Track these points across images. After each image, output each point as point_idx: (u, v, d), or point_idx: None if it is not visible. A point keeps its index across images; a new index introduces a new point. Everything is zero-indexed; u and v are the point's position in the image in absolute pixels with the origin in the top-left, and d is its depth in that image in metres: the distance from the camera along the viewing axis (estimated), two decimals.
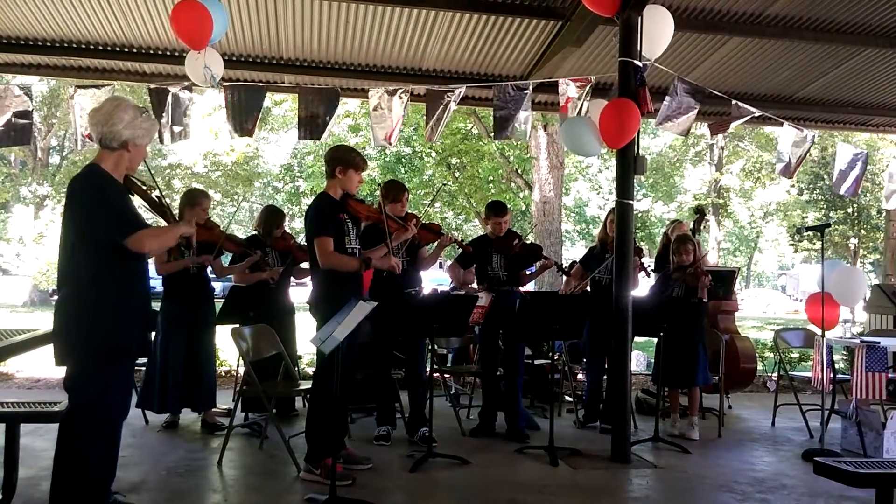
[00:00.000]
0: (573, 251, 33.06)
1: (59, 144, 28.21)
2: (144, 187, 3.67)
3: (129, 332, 3.42)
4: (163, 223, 3.74)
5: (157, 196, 3.72)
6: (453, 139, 15.58)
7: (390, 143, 6.91)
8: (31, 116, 6.61)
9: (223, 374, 8.23)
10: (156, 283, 6.23)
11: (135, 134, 3.44)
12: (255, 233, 6.55)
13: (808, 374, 6.73)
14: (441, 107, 6.68)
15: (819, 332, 5.97)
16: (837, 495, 4.60)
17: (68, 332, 3.36)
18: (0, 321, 16.67)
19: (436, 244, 5.81)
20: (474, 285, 6.42)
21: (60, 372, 8.43)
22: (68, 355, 3.38)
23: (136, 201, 3.66)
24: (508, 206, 6.78)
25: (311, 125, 6.65)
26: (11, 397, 5.09)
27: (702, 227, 7.00)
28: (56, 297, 3.50)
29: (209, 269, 6.00)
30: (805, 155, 7.51)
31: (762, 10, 6.07)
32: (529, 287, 6.91)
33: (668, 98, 6.46)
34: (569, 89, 6.82)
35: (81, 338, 3.35)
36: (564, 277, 6.71)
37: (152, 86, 6.58)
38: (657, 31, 5.43)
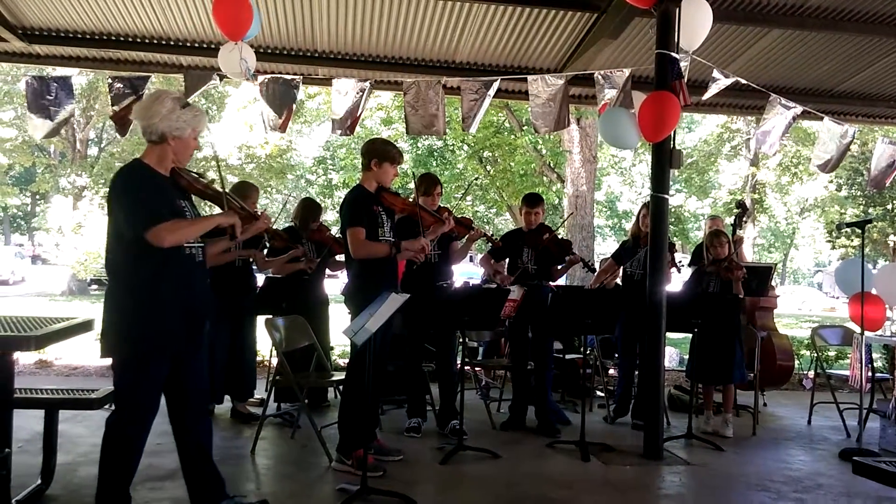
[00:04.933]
0: (605, 246, 32.85)
1: (97, 136, 28.62)
2: (199, 178, 3.64)
3: (161, 325, 3.35)
4: (217, 212, 3.70)
5: (211, 185, 3.68)
6: (486, 132, 15.54)
7: (443, 134, 6.94)
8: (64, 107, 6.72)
9: (257, 364, 8.30)
10: None
11: (172, 126, 3.39)
12: (291, 224, 6.59)
13: (846, 373, 6.62)
14: (477, 99, 6.67)
15: (859, 329, 5.86)
16: (875, 496, 4.52)
17: (107, 326, 3.39)
18: (39, 309, 17.00)
19: (466, 238, 5.81)
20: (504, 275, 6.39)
21: (98, 360, 8.60)
22: (108, 348, 3.40)
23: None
24: None
25: (342, 120, 6.70)
26: (50, 384, 5.19)
27: (744, 222, 6.88)
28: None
29: (252, 261, 6.08)
30: (846, 150, 7.38)
31: (803, 2, 5.94)
32: (560, 282, 6.88)
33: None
34: (606, 90, 6.74)
35: (115, 331, 3.37)
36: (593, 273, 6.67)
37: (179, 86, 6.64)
38: (695, 23, 5.34)
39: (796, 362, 9.29)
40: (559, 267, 6.19)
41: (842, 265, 7.53)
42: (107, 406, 4.90)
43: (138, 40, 6.91)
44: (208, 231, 3.53)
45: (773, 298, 7.64)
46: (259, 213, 3.99)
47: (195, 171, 3.66)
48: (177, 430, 3.57)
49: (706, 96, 6.52)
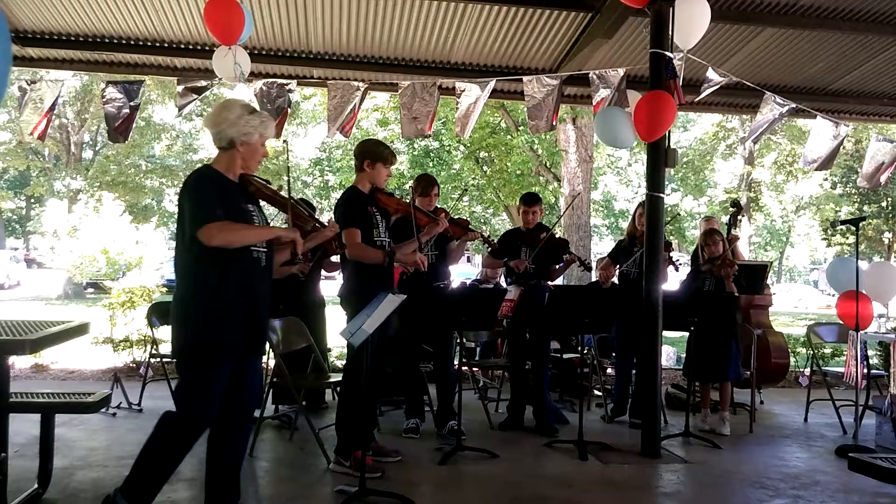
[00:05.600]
0: (601, 245, 32.89)
1: (91, 139, 28.60)
2: (267, 185, 3.66)
3: (220, 330, 3.32)
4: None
5: (278, 192, 3.72)
6: (482, 133, 15.54)
7: (427, 134, 6.94)
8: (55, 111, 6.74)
9: None
10: None
11: (240, 132, 3.43)
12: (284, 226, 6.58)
13: (842, 370, 6.63)
14: (472, 102, 6.68)
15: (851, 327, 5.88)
16: (872, 492, 4.53)
17: (172, 329, 3.43)
18: (35, 313, 16.96)
19: (461, 239, 5.81)
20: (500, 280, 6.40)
21: (94, 363, 8.57)
22: (173, 351, 3.44)
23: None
24: None
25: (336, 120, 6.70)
26: (46, 388, 5.18)
27: (738, 221, 6.92)
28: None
29: None
30: (837, 149, 7.40)
31: (795, 0, 5.97)
32: (557, 282, 6.88)
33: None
34: (601, 89, 6.75)
35: (176, 334, 3.40)
36: (592, 271, 6.68)
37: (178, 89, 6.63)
38: (690, 22, 5.36)
39: (792, 360, 9.32)
40: (557, 266, 6.19)
41: (833, 263, 7.54)
42: (103, 409, 4.92)
43: (132, 43, 6.91)
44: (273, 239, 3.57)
45: (767, 296, 7.66)
46: (327, 223, 3.98)
47: (263, 178, 3.70)
48: (218, 432, 3.52)
49: (700, 97, 6.53)
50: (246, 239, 3.41)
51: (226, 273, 3.33)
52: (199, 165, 3.55)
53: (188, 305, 3.37)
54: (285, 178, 3.69)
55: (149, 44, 6.92)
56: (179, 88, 6.69)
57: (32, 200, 36.82)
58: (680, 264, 6.49)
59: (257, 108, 6.52)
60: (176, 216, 3.50)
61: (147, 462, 3.38)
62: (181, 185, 3.47)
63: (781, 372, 7.59)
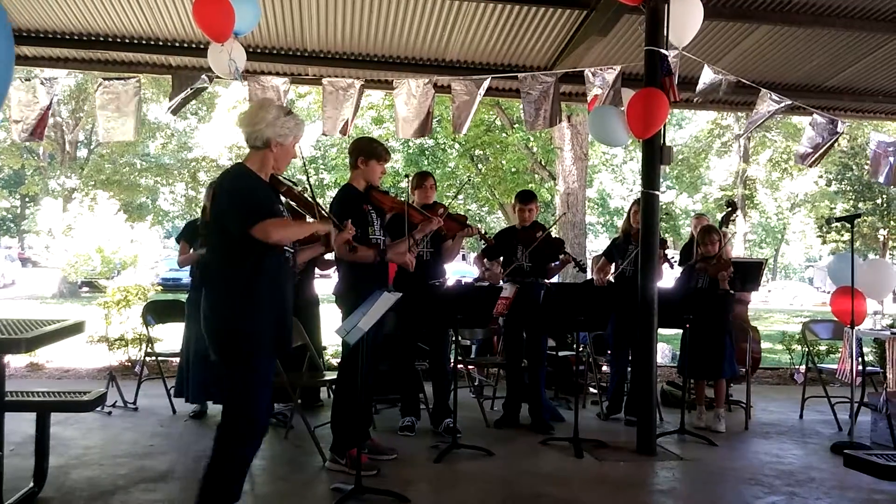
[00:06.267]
0: (597, 243, 32.94)
1: (86, 138, 28.52)
2: (294, 186, 3.74)
3: (256, 328, 3.34)
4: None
5: (306, 194, 3.80)
6: (477, 131, 15.54)
7: (425, 135, 6.96)
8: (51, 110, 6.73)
9: None
10: (182, 274, 6.32)
11: (277, 133, 3.45)
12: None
13: (837, 367, 6.65)
14: (468, 100, 6.68)
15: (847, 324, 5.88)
16: (867, 489, 4.54)
17: (207, 330, 3.41)
18: (30, 312, 16.92)
19: (457, 235, 5.80)
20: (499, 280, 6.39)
21: (89, 362, 8.55)
22: (214, 350, 3.41)
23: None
24: None
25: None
26: (42, 387, 5.17)
27: (731, 220, 6.94)
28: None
29: None
30: (830, 145, 7.43)
31: None
32: (552, 280, 6.89)
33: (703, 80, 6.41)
34: (595, 86, 6.76)
35: (216, 335, 3.37)
36: (588, 271, 6.68)
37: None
38: (685, 19, 5.36)
39: (787, 357, 9.35)
40: (553, 265, 6.19)
41: (836, 259, 7.56)
42: (99, 408, 4.91)
43: (126, 41, 6.89)
44: (304, 238, 3.63)
45: (747, 294, 7.65)
46: (345, 224, 4.02)
47: (287, 179, 3.78)
48: None
49: (696, 94, 6.55)
50: (297, 235, 3.53)
51: (260, 270, 3.35)
52: (232, 164, 3.56)
53: (226, 303, 3.36)
54: (299, 177, 3.77)
55: (143, 42, 6.90)
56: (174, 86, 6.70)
57: (27, 199, 36.72)
58: (675, 261, 6.50)
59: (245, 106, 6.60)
60: (203, 217, 3.49)
61: (220, 469, 3.37)
62: (216, 184, 3.50)
63: (755, 363, 7.52)
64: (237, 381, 3.36)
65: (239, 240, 3.30)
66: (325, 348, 7.24)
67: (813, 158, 7.41)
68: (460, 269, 20.17)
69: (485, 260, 6.34)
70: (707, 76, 6.50)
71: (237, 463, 3.42)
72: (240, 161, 3.58)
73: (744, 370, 6.58)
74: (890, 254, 27.67)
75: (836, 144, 7.42)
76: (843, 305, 5.84)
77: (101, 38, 6.84)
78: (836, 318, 6.52)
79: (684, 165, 28.35)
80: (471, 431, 5.66)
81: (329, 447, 4.73)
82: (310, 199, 3.81)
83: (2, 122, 25.47)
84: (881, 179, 7.81)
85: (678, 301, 5.90)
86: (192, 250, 5.87)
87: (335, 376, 5.00)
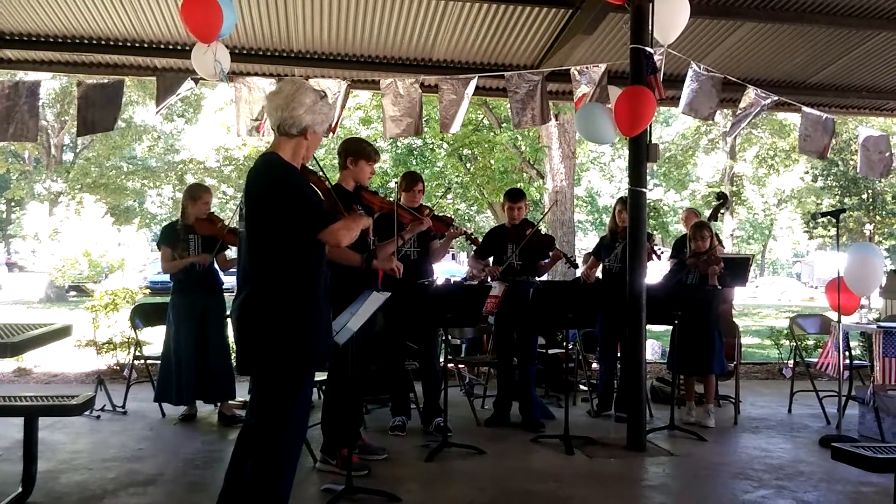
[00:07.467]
0: (585, 241, 33.03)
1: (72, 141, 28.38)
2: (322, 177, 3.45)
3: (317, 339, 3.12)
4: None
5: (331, 186, 3.52)
6: (465, 130, 15.54)
7: (415, 135, 6.97)
8: (38, 112, 6.66)
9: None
10: (165, 278, 6.28)
11: (315, 120, 3.12)
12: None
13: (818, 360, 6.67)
14: (456, 99, 6.69)
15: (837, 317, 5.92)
16: (855, 481, 4.58)
17: (254, 339, 3.08)
18: (17, 317, 16.81)
19: (445, 236, 5.81)
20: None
21: (77, 366, 8.50)
22: (254, 364, 3.13)
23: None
24: None
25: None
26: (30, 392, 5.15)
27: (721, 213, 6.97)
28: (236, 299, 3.14)
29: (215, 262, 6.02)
30: (832, 135, 7.49)
31: None
32: (542, 277, 6.90)
33: (689, 84, 6.44)
34: (581, 84, 6.79)
35: (271, 345, 3.05)
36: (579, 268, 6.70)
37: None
38: (670, 17, 5.39)
39: (775, 352, 9.40)
40: (544, 262, 6.20)
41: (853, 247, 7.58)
42: (87, 412, 4.88)
43: (111, 43, 6.84)
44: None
45: (730, 290, 7.67)
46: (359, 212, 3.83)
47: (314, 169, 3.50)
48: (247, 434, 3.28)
49: (682, 93, 6.58)
50: (356, 236, 3.25)
51: (315, 276, 3.11)
52: (266, 153, 3.18)
53: (290, 314, 3.05)
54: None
55: (128, 44, 6.86)
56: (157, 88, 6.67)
57: (13, 203, 36.47)
58: (661, 252, 6.52)
59: (241, 107, 6.58)
60: (241, 214, 3.16)
61: (267, 484, 3.12)
62: (263, 179, 3.10)
63: (730, 351, 7.55)
64: (288, 394, 3.10)
65: (296, 244, 3.02)
66: None
67: (822, 149, 7.44)
68: (449, 269, 20.20)
69: (481, 262, 6.32)
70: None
71: (284, 461, 3.17)
72: (271, 151, 3.18)
73: (732, 365, 6.60)
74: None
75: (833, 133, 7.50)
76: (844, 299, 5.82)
77: (86, 41, 6.80)
78: (825, 313, 6.55)
79: (672, 162, 28.45)
80: (461, 430, 5.67)
81: (319, 448, 4.73)
82: (333, 190, 3.53)
83: None
84: (874, 175, 7.85)
85: (667, 297, 5.93)
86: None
87: (325, 377, 4.99)
